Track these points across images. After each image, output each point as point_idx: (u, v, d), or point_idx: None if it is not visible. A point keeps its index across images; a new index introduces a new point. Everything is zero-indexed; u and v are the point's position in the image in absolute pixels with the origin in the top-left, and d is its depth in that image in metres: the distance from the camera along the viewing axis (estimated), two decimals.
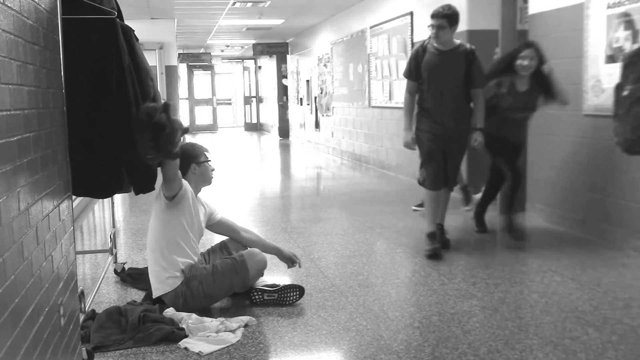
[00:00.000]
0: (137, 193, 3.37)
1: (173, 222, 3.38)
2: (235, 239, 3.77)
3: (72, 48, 2.67)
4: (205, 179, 3.59)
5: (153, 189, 3.40)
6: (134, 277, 4.06)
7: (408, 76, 4.79)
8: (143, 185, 3.33)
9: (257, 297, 3.53)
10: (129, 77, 2.85)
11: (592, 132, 5.01)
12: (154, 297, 3.43)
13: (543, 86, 4.80)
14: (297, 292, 3.56)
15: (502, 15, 6.27)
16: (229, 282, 3.42)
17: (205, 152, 3.61)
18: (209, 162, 3.62)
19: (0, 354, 1.54)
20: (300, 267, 3.89)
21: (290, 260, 3.77)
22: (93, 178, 2.98)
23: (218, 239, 4.07)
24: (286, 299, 3.53)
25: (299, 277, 4.06)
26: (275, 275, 4.01)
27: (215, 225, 3.75)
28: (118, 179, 3.09)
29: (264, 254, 3.59)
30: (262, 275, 3.61)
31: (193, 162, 3.51)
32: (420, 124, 4.75)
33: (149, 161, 3.00)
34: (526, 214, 5.82)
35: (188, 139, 3.91)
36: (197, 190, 3.56)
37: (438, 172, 4.68)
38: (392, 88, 9.22)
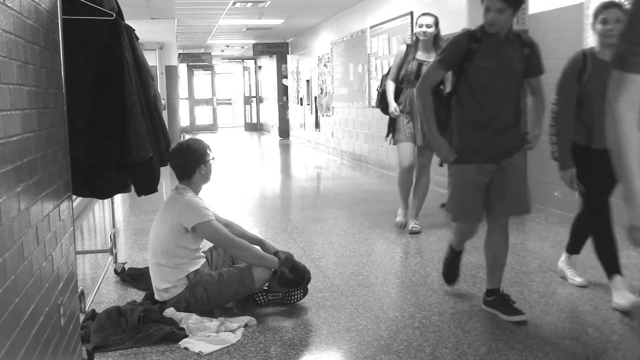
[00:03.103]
0: (139, 194, 3.36)
1: (186, 242, 3.35)
2: None
3: (76, 49, 2.69)
4: (208, 178, 3.53)
5: (156, 190, 3.39)
6: (134, 277, 4.05)
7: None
8: (145, 187, 3.33)
9: (261, 298, 3.52)
10: (132, 75, 2.87)
11: None
12: (156, 299, 3.42)
13: None
14: (301, 291, 3.56)
15: None
16: (234, 291, 3.39)
17: (209, 149, 3.52)
18: (213, 160, 3.54)
19: (0, 354, 1.54)
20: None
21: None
22: (97, 178, 2.99)
23: None
24: (290, 298, 3.53)
25: None
26: None
27: None
28: (121, 179, 3.10)
29: (268, 265, 3.43)
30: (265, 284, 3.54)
31: (201, 163, 3.43)
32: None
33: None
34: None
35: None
36: (198, 190, 3.50)
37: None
38: None
